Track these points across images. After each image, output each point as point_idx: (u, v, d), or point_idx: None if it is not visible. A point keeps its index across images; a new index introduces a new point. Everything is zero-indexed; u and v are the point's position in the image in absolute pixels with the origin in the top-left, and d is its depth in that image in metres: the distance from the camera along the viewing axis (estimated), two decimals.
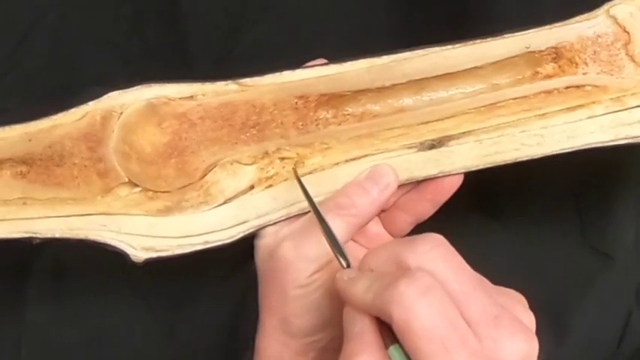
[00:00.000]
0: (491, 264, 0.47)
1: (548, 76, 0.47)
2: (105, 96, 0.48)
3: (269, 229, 0.48)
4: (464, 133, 0.47)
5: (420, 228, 0.50)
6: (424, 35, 0.54)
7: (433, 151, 0.47)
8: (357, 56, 0.47)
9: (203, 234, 0.48)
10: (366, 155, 0.48)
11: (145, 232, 0.48)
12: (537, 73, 0.47)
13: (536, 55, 0.47)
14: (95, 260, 0.58)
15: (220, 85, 0.48)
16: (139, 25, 0.60)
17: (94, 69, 0.60)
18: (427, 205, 0.49)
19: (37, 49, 0.61)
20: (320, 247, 0.44)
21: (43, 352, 0.61)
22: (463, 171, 0.47)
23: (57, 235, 0.48)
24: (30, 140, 0.48)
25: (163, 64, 0.60)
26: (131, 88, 0.48)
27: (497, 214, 0.59)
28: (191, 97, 0.48)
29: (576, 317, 0.57)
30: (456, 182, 0.48)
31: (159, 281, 0.58)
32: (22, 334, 0.61)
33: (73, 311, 0.61)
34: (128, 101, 0.47)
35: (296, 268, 0.45)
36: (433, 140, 0.47)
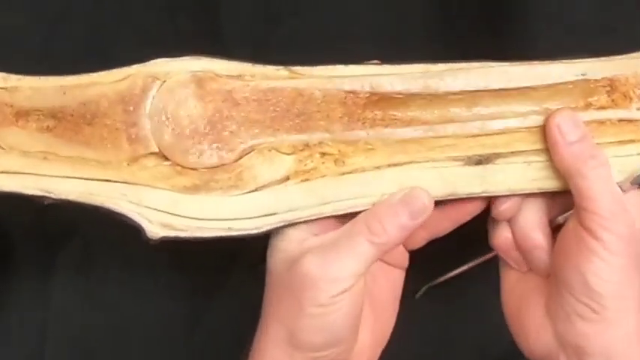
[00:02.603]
0: None
1: (602, 108, 0.46)
2: (151, 61, 0.46)
3: (293, 235, 0.45)
4: (513, 152, 0.45)
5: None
6: (459, 31, 0.54)
7: (480, 167, 0.45)
8: (412, 60, 0.46)
9: (227, 219, 0.45)
10: (410, 162, 0.45)
11: (166, 209, 0.45)
12: (590, 104, 0.46)
13: (591, 84, 0.45)
14: (122, 248, 0.59)
15: (271, 70, 0.46)
16: (174, 13, 0.59)
17: (128, 56, 0.58)
18: (447, 224, 0.48)
19: (70, 37, 0.60)
20: (349, 268, 0.42)
21: (68, 337, 0.60)
22: (507, 193, 0.45)
23: (71, 198, 0.45)
24: (64, 93, 0.45)
25: (197, 51, 0.59)
26: (179, 58, 0.46)
27: None
28: (239, 77, 0.46)
29: None
30: (480, 206, 0.47)
31: (185, 270, 0.58)
32: (48, 319, 0.60)
33: (98, 298, 0.60)
34: (174, 70, 0.45)
35: (319, 287, 0.42)
36: (481, 156, 0.45)
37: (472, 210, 0.47)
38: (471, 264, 0.50)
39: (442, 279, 0.51)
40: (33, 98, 0.45)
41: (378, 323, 0.48)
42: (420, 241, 0.49)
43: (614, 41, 0.55)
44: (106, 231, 0.59)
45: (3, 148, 0.45)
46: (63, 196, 0.45)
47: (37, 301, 0.60)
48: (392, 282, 0.49)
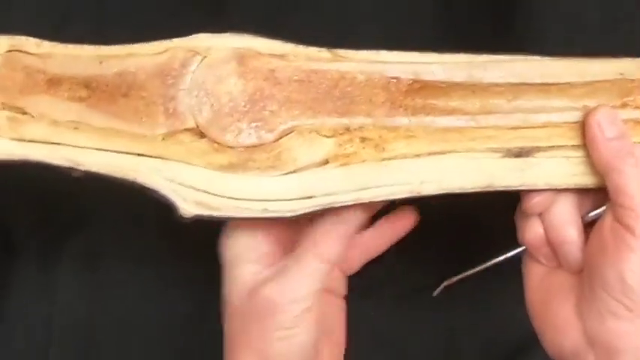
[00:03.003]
0: None
1: (638, 107, 0.46)
2: (193, 36, 0.45)
3: (248, 268, 0.45)
4: (552, 146, 0.45)
5: None
6: (464, 29, 0.55)
7: (519, 160, 0.45)
8: (456, 49, 0.46)
9: (263, 200, 0.44)
10: (450, 151, 0.45)
11: (201, 186, 0.44)
12: (626, 104, 0.46)
13: (629, 84, 0.46)
14: (128, 242, 0.60)
15: (314, 51, 0.45)
16: (178, 12, 0.59)
17: None
18: (381, 242, 0.50)
19: (73, 37, 0.59)
20: (305, 287, 0.44)
21: (74, 332, 0.60)
22: (546, 188, 0.45)
23: (101, 171, 0.43)
24: (101, 63, 0.44)
25: None
26: (222, 34, 0.45)
27: None
28: (282, 56, 0.45)
29: None
30: (411, 223, 0.50)
31: (191, 264, 0.57)
32: (54, 314, 0.60)
33: (103, 292, 0.60)
34: (216, 45, 0.44)
35: (281, 310, 0.44)
36: (521, 148, 0.45)
37: (406, 226, 0.50)
38: (488, 263, 0.49)
39: (459, 277, 0.50)
40: (67, 66, 0.43)
41: (332, 345, 0.49)
42: (356, 264, 0.51)
43: (618, 37, 0.56)
44: (112, 225, 0.59)
45: (32, 116, 0.43)
46: (92, 169, 0.43)
47: (43, 295, 0.60)
48: (337, 309, 0.50)
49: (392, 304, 0.59)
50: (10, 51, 0.43)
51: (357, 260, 0.51)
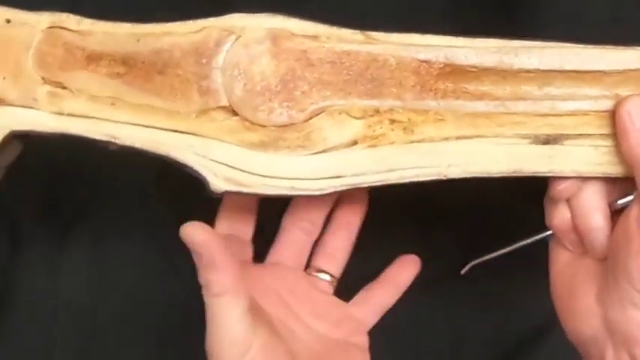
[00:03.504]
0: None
1: None
2: (227, 15, 0.45)
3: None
4: (581, 135, 0.45)
5: None
6: (469, 21, 0.55)
7: (547, 147, 0.45)
8: (488, 35, 0.46)
9: (292, 179, 0.45)
10: (478, 136, 0.45)
11: (232, 163, 0.45)
12: None
13: None
14: (132, 233, 0.60)
15: (347, 33, 0.46)
16: (185, 4, 0.58)
17: None
18: (392, 292, 0.53)
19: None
20: (228, 330, 0.43)
21: (78, 322, 0.60)
22: (573, 175, 0.45)
23: (137, 145, 0.45)
24: (138, 41, 0.45)
25: None
26: (255, 14, 0.46)
27: None
28: (315, 37, 0.45)
29: None
30: (417, 269, 0.53)
31: None
32: (57, 305, 0.60)
33: (108, 282, 0.60)
34: (250, 25, 0.45)
35: (222, 357, 0.44)
36: (549, 135, 0.46)
37: (412, 273, 0.52)
38: (517, 245, 0.50)
39: (486, 258, 0.51)
40: (105, 43, 0.45)
41: None
42: (372, 318, 0.52)
43: (621, 34, 0.55)
44: (116, 216, 0.60)
45: (72, 91, 0.45)
46: (128, 143, 0.45)
47: (47, 287, 0.60)
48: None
49: (406, 296, 0.58)
50: (51, 27, 0.45)
51: (371, 314, 0.52)
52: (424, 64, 0.45)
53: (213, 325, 0.43)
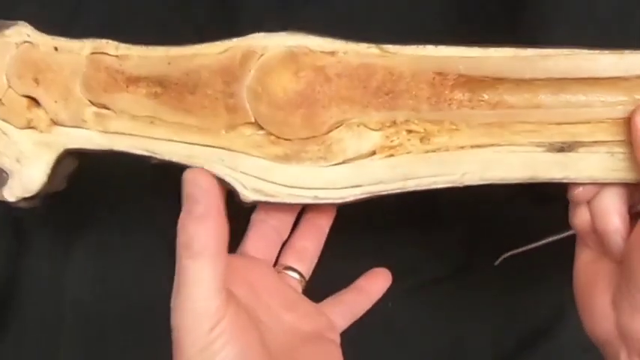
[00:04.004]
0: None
1: None
2: (249, 35, 0.48)
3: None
4: (596, 142, 0.45)
5: None
6: (473, 20, 0.55)
7: (561, 154, 0.46)
8: (500, 44, 0.46)
9: (315, 188, 0.48)
10: (492, 144, 0.46)
11: (259, 175, 0.48)
12: None
13: None
14: (137, 239, 0.61)
15: (363, 47, 0.47)
16: (188, 6, 0.60)
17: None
18: (364, 300, 0.53)
19: (84, 30, 0.60)
20: (199, 295, 0.41)
21: (85, 329, 0.61)
22: (589, 181, 0.46)
23: (174, 160, 0.49)
24: (169, 64, 0.49)
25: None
26: (276, 33, 0.48)
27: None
28: (332, 53, 0.47)
29: None
30: (388, 283, 0.53)
31: None
32: (63, 305, 0.61)
33: (112, 283, 0.61)
34: (271, 44, 0.47)
35: (188, 330, 0.41)
36: (564, 143, 0.46)
37: (385, 285, 0.53)
38: (549, 239, 0.51)
39: (519, 250, 0.53)
40: (140, 67, 0.48)
41: None
42: (343, 322, 0.52)
43: (628, 32, 0.54)
44: (120, 217, 0.61)
45: (115, 112, 0.49)
46: (167, 158, 0.49)
47: (52, 287, 0.61)
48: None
49: (407, 295, 0.60)
50: (93, 53, 0.49)
51: (341, 318, 0.52)
52: (438, 75, 0.46)
53: (183, 294, 0.41)
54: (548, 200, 0.56)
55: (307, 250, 0.53)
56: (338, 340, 0.51)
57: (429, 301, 0.60)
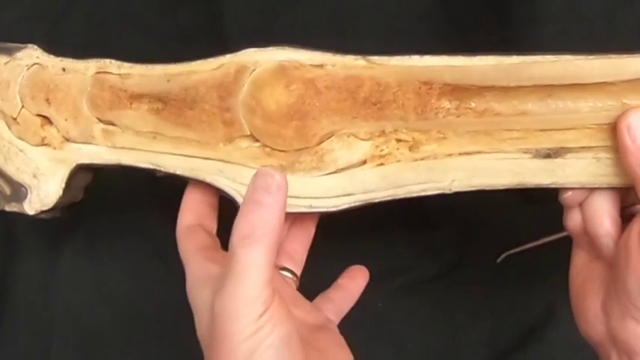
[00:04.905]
0: None
1: None
2: (242, 51, 0.49)
3: (205, 291, 0.45)
4: (583, 147, 0.45)
5: None
6: (463, 20, 0.55)
7: (548, 160, 0.46)
8: (485, 52, 0.46)
9: (309, 198, 0.50)
10: (480, 152, 0.47)
11: None
12: None
13: None
14: (126, 235, 0.62)
15: (350, 59, 0.48)
16: (174, 6, 0.61)
17: (129, 50, 0.58)
18: (349, 298, 0.55)
19: (72, 31, 0.63)
20: (251, 283, 0.41)
21: (75, 330, 0.62)
22: (576, 186, 0.46)
23: (178, 172, 0.51)
24: (168, 81, 0.51)
25: (198, 45, 0.59)
26: (266, 48, 0.49)
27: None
28: (321, 66, 0.48)
29: None
30: (366, 279, 0.54)
31: None
32: (54, 314, 0.62)
33: (104, 290, 0.62)
34: (262, 59, 0.49)
35: (237, 318, 0.41)
36: (550, 149, 0.46)
37: (364, 281, 0.54)
38: (548, 238, 0.51)
39: (520, 249, 0.53)
40: (142, 84, 0.51)
41: None
42: (334, 318, 0.53)
43: (615, 27, 0.53)
44: (111, 220, 0.62)
45: (120, 128, 0.52)
46: (171, 171, 0.51)
47: (44, 290, 0.62)
48: (332, 342, 0.50)
49: (400, 295, 0.60)
50: (97, 73, 0.52)
51: (332, 315, 0.53)
52: (424, 85, 0.47)
53: (236, 282, 0.41)
54: (540, 200, 0.56)
55: (296, 251, 0.54)
56: (338, 332, 0.51)
57: (420, 301, 0.61)
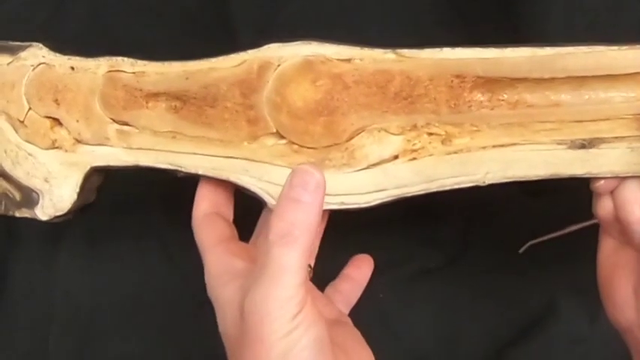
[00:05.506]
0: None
1: None
2: (265, 46, 0.48)
3: (230, 288, 0.44)
4: (617, 137, 0.46)
5: None
6: (468, 12, 0.55)
7: (582, 150, 0.47)
8: (518, 44, 0.46)
9: (341, 195, 0.49)
10: (514, 144, 0.47)
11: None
12: None
13: None
14: (127, 228, 0.61)
15: (379, 53, 0.47)
16: None
17: (132, 36, 0.59)
18: (356, 288, 0.55)
19: (73, 15, 0.61)
20: (287, 283, 0.41)
21: (74, 318, 0.62)
22: (610, 175, 0.47)
23: (200, 172, 0.50)
24: (187, 79, 0.49)
25: (204, 33, 0.59)
26: (291, 43, 0.48)
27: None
28: (348, 60, 0.48)
29: None
30: (372, 267, 0.55)
31: (194, 251, 0.56)
32: (54, 301, 0.62)
33: (104, 278, 0.62)
34: (287, 54, 0.48)
35: (274, 317, 0.41)
36: (584, 140, 0.47)
37: (370, 270, 0.55)
38: (572, 228, 0.52)
39: (544, 238, 0.54)
40: (158, 83, 0.49)
41: None
42: (345, 310, 0.53)
43: (620, 19, 0.53)
44: (110, 214, 0.62)
45: (137, 129, 0.50)
46: (192, 171, 0.50)
47: (43, 284, 0.62)
48: (351, 336, 0.50)
49: (401, 286, 0.60)
50: (110, 71, 0.49)
51: (342, 306, 0.53)
52: (457, 78, 0.46)
53: (272, 281, 0.41)
54: (542, 192, 0.57)
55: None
56: (353, 326, 0.51)
57: (421, 292, 0.61)
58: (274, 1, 0.58)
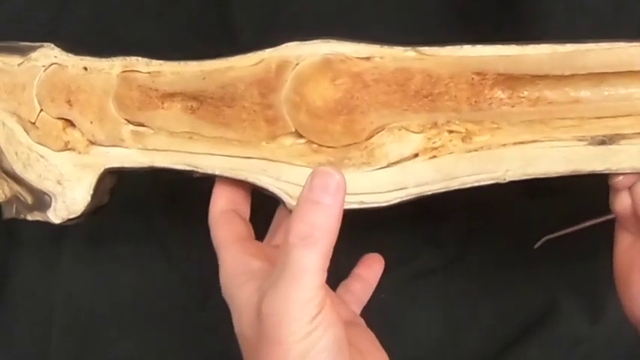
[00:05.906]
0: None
1: None
2: (283, 45, 0.47)
3: (247, 288, 0.44)
4: (637, 133, 0.46)
5: None
6: (470, 11, 0.55)
7: (602, 147, 0.47)
8: (539, 41, 0.46)
9: (360, 194, 0.49)
10: (534, 141, 0.47)
11: (304, 183, 0.49)
12: None
13: None
14: (127, 229, 0.61)
15: (398, 51, 0.47)
16: None
17: (134, 37, 0.59)
18: (368, 288, 0.55)
19: (76, 17, 0.61)
20: (307, 285, 0.41)
21: (75, 319, 0.62)
22: (630, 171, 0.47)
23: (217, 173, 0.49)
24: (204, 78, 0.48)
25: (205, 34, 0.59)
26: (310, 41, 0.47)
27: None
28: (368, 59, 0.47)
29: (611, 295, 0.56)
30: (382, 266, 0.55)
31: (196, 247, 0.57)
32: (54, 302, 0.62)
33: (104, 279, 0.62)
34: (305, 53, 0.47)
35: (293, 318, 0.40)
36: (605, 136, 0.47)
37: (381, 269, 0.55)
38: (588, 223, 0.53)
39: (560, 233, 0.54)
40: (174, 83, 0.48)
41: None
42: (357, 309, 0.53)
43: (621, 19, 0.54)
44: (112, 215, 0.59)
45: (152, 130, 0.49)
46: (209, 171, 0.49)
47: (44, 285, 0.62)
48: (364, 336, 0.49)
49: (402, 286, 0.60)
50: (124, 72, 0.49)
51: (354, 306, 0.53)
52: (477, 75, 0.46)
53: (292, 283, 0.41)
54: (544, 192, 0.58)
55: None
56: (367, 327, 0.51)
57: (422, 292, 0.62)
58: (275, 2, 0.58)
